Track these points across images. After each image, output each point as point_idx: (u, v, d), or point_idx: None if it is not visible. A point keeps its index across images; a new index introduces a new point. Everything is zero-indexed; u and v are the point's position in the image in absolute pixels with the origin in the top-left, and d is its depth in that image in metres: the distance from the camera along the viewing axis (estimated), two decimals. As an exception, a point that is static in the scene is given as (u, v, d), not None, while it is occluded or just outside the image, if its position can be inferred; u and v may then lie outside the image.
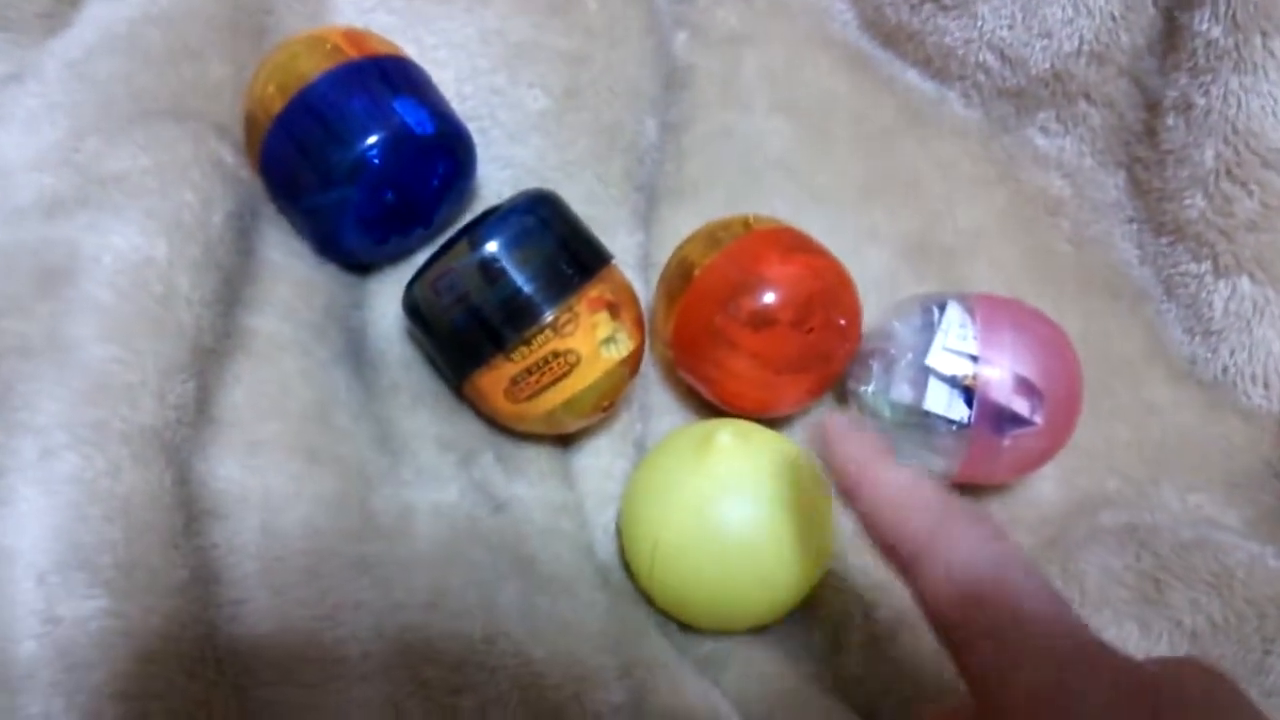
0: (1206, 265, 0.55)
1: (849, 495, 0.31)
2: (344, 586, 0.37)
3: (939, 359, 0.47)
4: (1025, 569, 0.27)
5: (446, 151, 0.47)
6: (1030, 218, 0.62)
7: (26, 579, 0.31)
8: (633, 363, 0.46)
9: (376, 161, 0.44)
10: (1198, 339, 0.56)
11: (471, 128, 0.49)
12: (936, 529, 0.28)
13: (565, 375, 0.43)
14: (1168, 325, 0.58)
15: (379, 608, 0.38)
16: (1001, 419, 0.46)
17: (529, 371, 0.43)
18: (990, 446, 0.47)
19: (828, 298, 0.48)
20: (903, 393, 0.48)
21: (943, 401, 0.47)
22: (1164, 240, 0.57)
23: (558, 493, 0.47)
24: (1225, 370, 0.55)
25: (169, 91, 0.46)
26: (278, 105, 0.44)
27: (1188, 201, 0.55)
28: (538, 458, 0.48)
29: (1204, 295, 0.56)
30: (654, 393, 0.54)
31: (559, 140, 0.53)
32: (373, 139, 0.44)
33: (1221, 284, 0.55)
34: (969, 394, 0.46)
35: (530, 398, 0.44)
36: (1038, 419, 0.46)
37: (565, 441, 0.50)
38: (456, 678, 0.37)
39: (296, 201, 0.46)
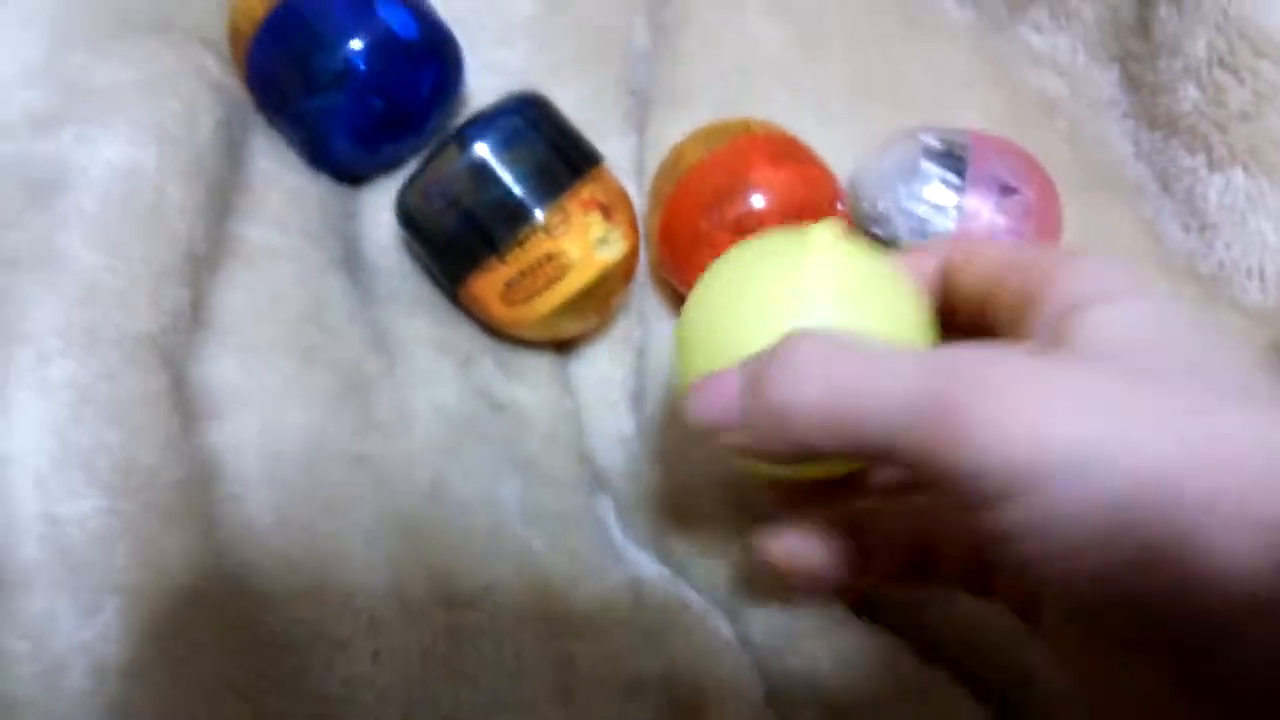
0: (1201, 158, 0.54)
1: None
2: (343, 480, 0.38)
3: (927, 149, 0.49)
4: None
5: (433, 56, 0.47)
6: (1027, 119, 0.60)
7: (25, 482, 0.31)
8: (627, 265, 0.46)
9: (362, 66, 0.43)
10: (1194, 234, 0.56)
11: (458, 33, 0.48)
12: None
13: (559, 278, 0.43)
14: (1165, 221, 0.57)
15: (379, 500, 0.38)
16: (994, 185, 0.48)
17: (523, 274, 0.43)
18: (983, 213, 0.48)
19: (816, 207, 0.47)
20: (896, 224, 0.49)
21: (937, 191, 0.48)
22: (1158, 135, 0.57)
23: (557, 398, 0.47)
24: (1221, 265, 0.55)
25: (152, 6, 0.46)
26: (261, 13, 0.44)
27: (1181, 93, 0.54)
28: (537, 364, 0.48)
29: (1199, 189, 0.55)
30: (653, 299, 0.53)
31: (547, 43, 0.53)
32: (357, 43, 0.43)
33: (1216, 177, 0.54)
34: (961, 167, 0.48)
35: (525, 300, 0.44)
36: (1027, 193, 0.48)
37: (564, 349, 0.50)
38: (459, 564, 0.38)
39: (284, 110, 0.45)
